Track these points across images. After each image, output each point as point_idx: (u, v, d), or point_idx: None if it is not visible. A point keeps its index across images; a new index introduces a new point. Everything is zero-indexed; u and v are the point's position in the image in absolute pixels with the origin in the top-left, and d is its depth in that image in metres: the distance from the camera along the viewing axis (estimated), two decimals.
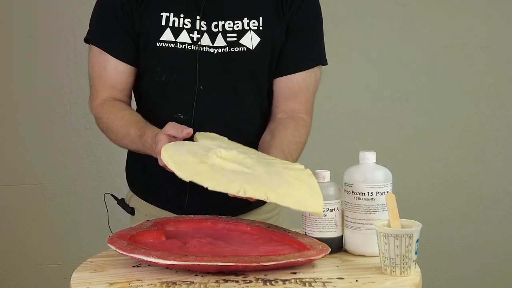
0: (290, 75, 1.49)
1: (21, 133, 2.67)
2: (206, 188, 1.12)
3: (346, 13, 2.74)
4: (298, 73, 1.49)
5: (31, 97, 2.66)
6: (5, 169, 2.68)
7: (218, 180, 1.13)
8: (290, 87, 1.49)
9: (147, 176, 1.51)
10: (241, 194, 1.11)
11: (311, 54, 1.51)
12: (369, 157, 1.21)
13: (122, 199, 1.59)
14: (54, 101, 2.67)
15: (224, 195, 1.16)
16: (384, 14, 2.77)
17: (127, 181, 1.59)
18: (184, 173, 1.14)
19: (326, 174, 1.24)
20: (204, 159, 1.18)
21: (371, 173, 1.20)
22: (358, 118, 2.78)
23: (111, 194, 1.58)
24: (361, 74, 2.77)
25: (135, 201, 1.56)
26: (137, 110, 1.52)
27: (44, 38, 2.66)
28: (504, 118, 2.82)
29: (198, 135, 1.35)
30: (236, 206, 1.43)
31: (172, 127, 1.27)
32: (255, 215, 1.49)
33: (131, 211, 1.57)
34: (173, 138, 1.27)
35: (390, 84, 2.79)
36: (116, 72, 1.46)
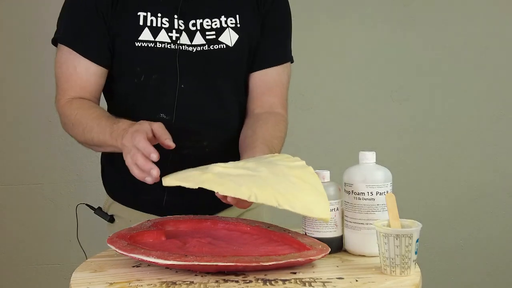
0: (265, 70, 1.51)
1: (21, 133, 2.67)
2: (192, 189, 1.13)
3: (346, 13, 2.74)
4: (273, 67, 1.51)
5: (31, 97, 2.66)
6: (5, 169, 2.68)
7: (227, 185, 1.13)
8: (265, 82, 1.51)
9: (124, 180, 1.43)
10: (252, 199, 1.11)
11: (284, 50, 1.55)
12: (369, 157, 1.21)
13: (99, 207, 1.58)
14: (54, 101, 2.66)
15: (203, 193, 1.17)
16: (384, 14, 2.77)
17: (105, 188, 1.57)
18: (191, 183, 1.14)
19: (326, 174, 1.24)
20: (207, 171, 1.19)
21: (371, 173, 1.20)
22: (358, 118, 2.78)
23: (87, 204, 1.56)
24: (361, 74, 2.77)
25: (116, 207, 1.55)
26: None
27: (44, 38, 2.65)
28: (504, 118, 2.82)
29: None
30: (216, 203, 1.41)
31: (160, 128, 1.23)
32: (237, 210, 1.48)
33: (110, 219, 1.55)
34: (152, 138, 1.23)
35: (390, 84, 2.79)
36: (87, 73, 1.43)
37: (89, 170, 2.70)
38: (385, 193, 1.18)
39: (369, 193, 1.19)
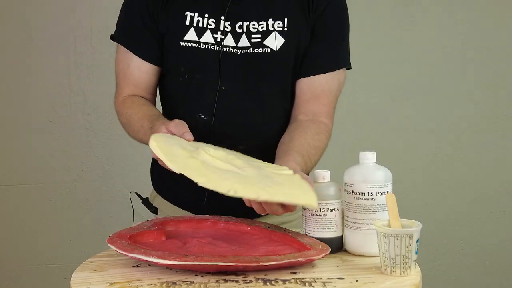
0: (312, 77, 1.47)
1: (21, 133, 2.67)
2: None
3: None
4: (321, 75, 1.47)
5: (31, 97, 2.66)
6: (5, 169, 2.68)
7: (209, 177, 1.12)
8: (312, 89, 1.48)
9: (168, 175, 1.48)
10: (231, 193, 1.10)
11: (335, 56, 1.50)
12: (369, 157, 1.21)
13: (147, 198, 1.59)
14: (54, 101, 2.67)
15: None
16: (384, 14, 2.77)
17: (152, 180, 1.60)
18: (175, 165, 1.13)
19: (326, 174, 1.24)
20: (194, 155, 1.18)
21: (371, 173, 1.20)
22: (358, 118, 2.78)
23: (136, 193, 1.58)
24: (361, 74, 2.76)
25: (158, 201, 1.57)
26: (163, 110, 1.53)
27: (44, 38, 2.66)
28: (504, 118, 2.82)
29: None
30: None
31: (175, 126, 1.27)
32: (276, 217, 1.44)
33: (155, 210, 1.57)
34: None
35: (390, 84, 2.79)
36: (139, 71, 1.48)
37: (89, 170, 2.70)
38: (386, 193, 1.18)
39: (370, 193, 1.19)
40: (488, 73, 2.80)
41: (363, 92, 2.77)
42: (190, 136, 1.26)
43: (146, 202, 1.58)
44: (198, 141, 1.30)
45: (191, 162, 1.15)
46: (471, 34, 2.79)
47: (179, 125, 1.28)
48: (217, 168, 1.16)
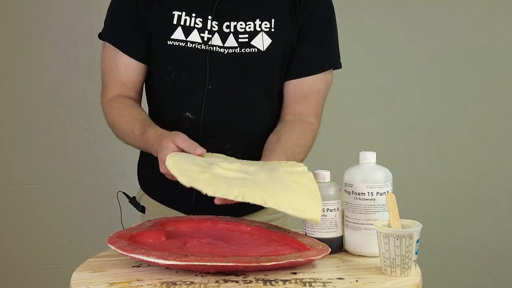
0: (300, 79, 1.48)
1: (21, 133, 2.67)
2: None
3: (345, 13, 2.73)
4: (309, 76, 1.48)
5: (31, 97, 2.66)
6: (5, 169, 2.68)
7: (218, 186, 1.13)
8: (300, 90, 1.48)
9: (156, 175, 1.49)
10: (239, 199, 1.11)
11: (323, 58, 1.50)
12: (369, 157, 1.21)
13: (134, 197, 1.60)
14: (54, 101, 2.67)
15: None
16: (384, 14, 2.77)
17: (138, 180, 1.60)
18: (185, 179, 1.15)
19: (326, 174, 1.24)
20: (207, 170, 1.19)
21: (371, 173, 1.20)
22: (358, 118, 2.77)
23: (124, 193, 1.58)
24: (361, 74, 2.77)
25: (145, 200, 1.57)
26: (148, 109, 1.53)
27: (44, 38, 2.66)
28: (504, 118, 2.82)
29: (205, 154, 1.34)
30: (242, 206, 1.41)
31: (183, 141, 1.26)
32: (261, 216, 1.48)
33: (142, 209, 1.57)
34: (180, 150, 1.26)
35: (390, 84, 2.79)
36: (126, 69, 1.47)
37: (89, 170, 2.70)
38: (386, 193, 1.18)
39: (370, 193, 1.19)
40: (488, 73, 2.80)
41: (363, 92, 2.77)
42: (201, 150, 1.26)
43: (133, 201, 1.59)
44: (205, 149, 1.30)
45: (202, 175, 1.17)
46: (471, 34, 2.79)
47: (186, 140, 1.27)
48: (226, 178, 1.17)
